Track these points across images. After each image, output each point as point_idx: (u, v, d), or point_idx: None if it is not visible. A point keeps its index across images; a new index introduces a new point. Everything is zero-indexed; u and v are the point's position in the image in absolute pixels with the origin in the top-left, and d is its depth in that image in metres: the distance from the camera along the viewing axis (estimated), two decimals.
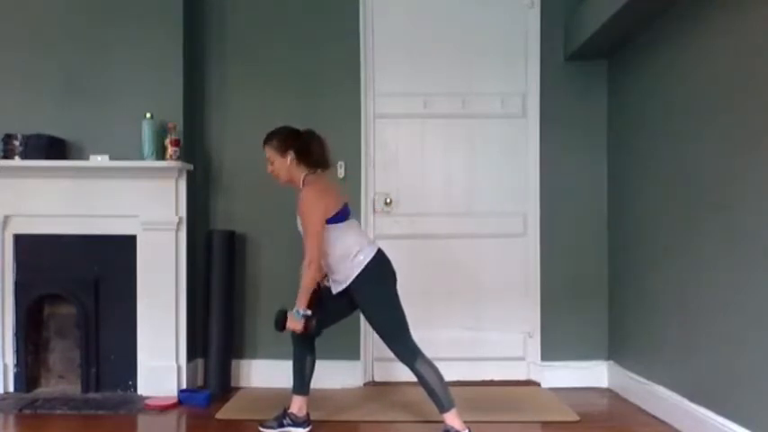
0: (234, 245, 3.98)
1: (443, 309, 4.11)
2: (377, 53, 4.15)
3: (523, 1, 4.15)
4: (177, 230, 3.81)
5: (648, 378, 3.52)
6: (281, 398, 3.30)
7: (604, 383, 4.04)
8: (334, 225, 2.97)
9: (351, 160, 4.07)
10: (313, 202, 2.93)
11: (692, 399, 3.07)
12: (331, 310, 3.09)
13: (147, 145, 3.73)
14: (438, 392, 2.92)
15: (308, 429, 3.17)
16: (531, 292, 4.13)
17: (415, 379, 2.98)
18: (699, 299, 3.04)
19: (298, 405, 3.16)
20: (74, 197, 3.78)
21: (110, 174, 3.77)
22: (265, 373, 3.99)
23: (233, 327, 4.00)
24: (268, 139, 3.10)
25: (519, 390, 3.95)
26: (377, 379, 4.10)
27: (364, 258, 2.96)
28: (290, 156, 3.05)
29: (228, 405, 3.64)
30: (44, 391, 3.87)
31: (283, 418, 3.16)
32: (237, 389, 3.97)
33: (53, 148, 3.76)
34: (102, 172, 3.77)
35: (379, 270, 3.00)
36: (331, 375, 3.78)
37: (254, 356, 4.07)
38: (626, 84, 3.86)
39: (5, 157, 3.74)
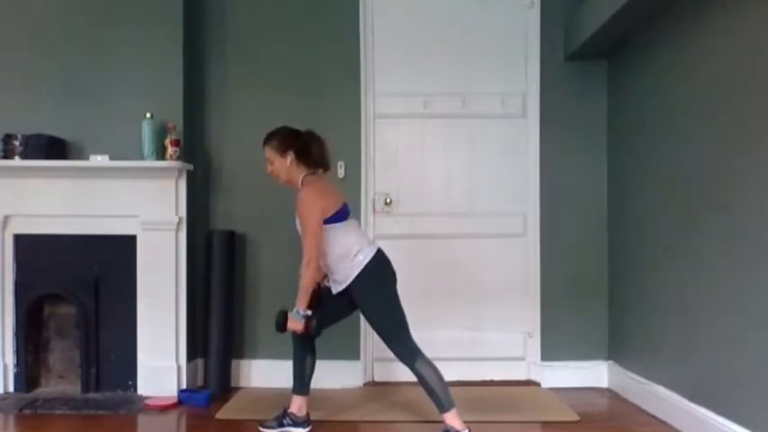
0: (234, 245, 3.98)
1: (443, 309, 4.11)
2: (377, 53, 4.16)
3: (523, 1, 4.15)
4: (177, 230, 3.81)
5: (648, 378, 3.52)
6: (281, 398, 3.30)
7: (604, 383, 4.04)
8: (333, 225, 2.97)
9: (351, 160, 4.07)
10: (311, 203, 2.93)
11: (692, 399, 3.07)
12: (331, 310, 3.09)
13: (147, 145, 3.73)
14: (438, 392, 2.92)
15: (307, 429, 3.17)
16: (531, 292, 4.13)
17: (415, 379, 2.98)
18: (699, 299, 3.04)
19: (298, 405, 3.16)
20: (74, 197, 3.78)
21: (110, 174, 3.77)
22: (265, 373, 3.99)
23: (233, 327, 4.00)
24: (268, 139, 3.10)
25: (519, 390, 3.95)
26: (377, 379, 4.10)
27: (364, 258, 2.96)
28: (290, 156, 3.05)
29: (228, 405, 3.64)
30: (44, 391, 3.87)
31: (283, 417, 3.16)
32: (237, 389, 3.97)
33: (53, 148, 3.76)
34: (102, 172, 3.77)
35: (379, 270, 3.00)
36: (331, 375, 3.78)
37: (254, 356, 4.07)
38: (626, 84, 3.86)
39: (5, 157, 3.74)
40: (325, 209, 2.95)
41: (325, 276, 3.13)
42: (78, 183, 3.78)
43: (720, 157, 2.86)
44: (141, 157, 3.73)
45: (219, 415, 3.46)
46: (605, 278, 4.09)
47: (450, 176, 4.18)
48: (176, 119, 3.81)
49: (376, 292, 2.99)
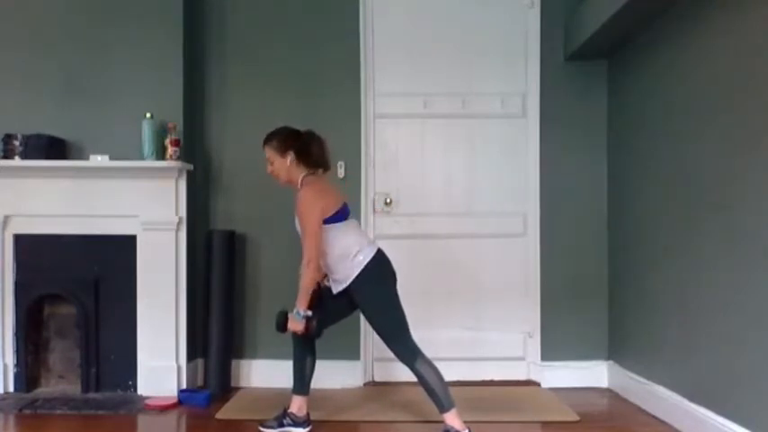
0: (234, 245, 3.98)
1: (443, 309, 4.11)
2: (377, 53, 4.15)
3: (523, 1, 4.15)
4: (177, 230, 3.81)
5: (648, 378, 3.52)
6: (281, 398, 3.30)
7: (604, 383, 4.04)
8: (333, 225, 2.97)
9: (351, 160, 4.07)
10: (311, 203, 2.93)
11: (692, 399, 3.07)
12: (331, 309, 3.09)
13: (147, 145, 3.73)
14: (438, 392, 2.92)
15: (308, 429, 3.17)
16: (531, 292, 4.13)
17: (415, 379, 2.98)
18: (699, 299, 3.03)
19: (298, 405, 3.16)
20: (74, 197, 3.78)
21: (110, 174, 3.77)
22: (265, 373, 3.99)
23: (233, 327, 4.00)
24: (268, 139, 3.10)
25: (519, 390, 3.95)
26: (377, 379, 4.10)
27: (364, 258, 2.96)
28: (290, 156, 3.05)
29: (228, 405, 3.64)
30: (44, 391, 3.87)
31: (283, 417, 3.16)
32: (237, 389, 3.97)
33: (53, 148, 3.76)
34: (102, 172, 3.77)
35: (379, 270, 3.00)
36: (331, 375, 3.78)
37: (254, 356, 4.07)
38: (626, 84, 3.86)
39: (5, 157, 3.74)
40: (325, 209, 2.95)
41: (326, 276, 3.13)
42: (78, 183, 3.78)
43: (720, 157, 2.86)
44: (141, 157, 3.73)
45: (219, 415, 3.46)
46: (605, 278, 4.09)
47: (450, 176, 4.18)
48: (176, 119, 3.81)
49: (376, 292, 2.99)
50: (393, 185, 4.17)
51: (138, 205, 3.78)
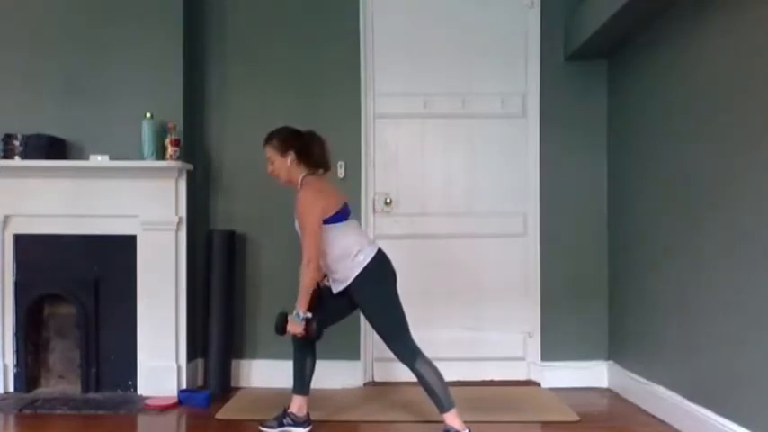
0: (234, 245, 3.98)
1: (443, 309, 4.11)
2: (377, 53, 4.15)
3: (523, 1, 4.15)
4: (177, 230, 3.81)
5: (648, 378, 3.52)
6: (281, 398, 3.30)
7: (604, 383, 4.04)
8: (333, 225, 2.97)
9: (351, 160, 4.07)
10: (311, 202, 2.93)
11: (692, 399, 3.07)
12: (331, 309, 3.09)
13: (147, 145, 3.73)
14: (438, 392, 2.92)
15: (308, 429, 3.17)
16: (531, 292, 4.13)
17: (415, 379, 2.98)
18: (699, 299, 3.04)
19: (298, 405, 3.16)
20: (74, 197, 3.78)
21: (110, 174, 3.77)
22: (265, 373, 3.99)
23: (233, 327, 4.00)
24: (269, 138, 3.10)
25: (519, 390, 3.95)
26: (377, 379, 4.10)
27: (364, 258, 2.96)
28: (291, 156, 3.05)
29: (228, 405, 3.64)
30: (44, 391, 3.87)
31: (283, 417, 3.16)
32: (237, 389, 3.97)
33: (53, 148, 3.76)
34: (102, 172, 3.77)
35: (380, 270, 3.00)
36: (331, 375, 3.78)
37: (254, 356, 4.07)
38: (626, 84, 3.86)
39: (5, 157, 3.74)
40: (325, 209, 2.95)
41: (326, 276, 3.13)
42: (78, 183, 3.78)
43: (720, 157, 2.86)
44: (141, 157, 3.73)
45: (219, 415, 3.46)
46: (605, 278, 4.09)
47: (450, 176, 4.18)
48: (176, 119, 3.81)
49: (376, 292, 2.99)
50: (393, 185, 4.17)
51: (138, 205, 3.78)
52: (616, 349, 3.98)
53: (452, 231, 4.15)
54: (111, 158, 3.74)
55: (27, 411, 3.50)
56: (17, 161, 3.73)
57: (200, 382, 4.01)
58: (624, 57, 3.87)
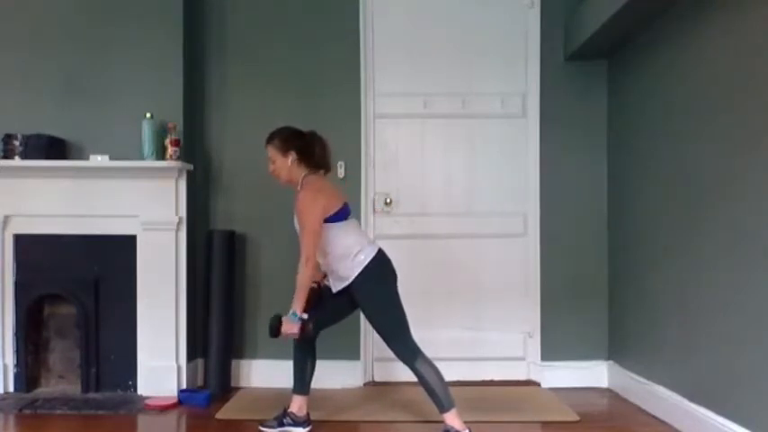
0: (234, 245, 3.98)
1: (443, 309, 4.11)
2: (377, 53, 4.15)
3: (523, 1, 4.15)
4: (177, 230, 3.81)
5: (648, 378, 3.52)
6: (281, 398, 3.30)
7: (604, 383, 4.04)
8: (334, 224, 2.97)
9: (351, 160, 4.07)
10: (311, 201, 2.93)
11: (692, 399, 3.07)
12: (331, 309, 3.09)
13: (147, 145, 3.73)
14: (438, 392, 2.92)
15: (308, 429, 3.17)
16: (531, 292, 4.13)
17: (415, 379, 2.98)
18: (699, 299, 3.04)
19: (298, 405, 3.16)
20: (74, 197, 3.78)
21: (110, 174, 3.77)
22: (265, 373, 3.99)
23: (233, 327, 4.00)
24: (270, 138, 3.10)
25: (519, 390, 3.95)
26: (377, 379, 4.10)
27: (365, 258, 2.96)
28: (292, 156, 3.05)
29: (228, 405, 3.64)
30: (44, 391, 3.87)
31: (283, 417, 3.16)
32: (237, 389, 3.97)
33: (53, 148, 3.76)
34: (102, 172, 3.77)
35: (380, 270, 3.00)
36: (331, 375, 3.78)
37: (254, 356, 4.07)
38: (626, 84, 3.86)
39: (5, 157, 3.74)
40: (326, 207, 2.95)
41: (326, 276, 3.13)
42: (78, 183, 3.78)
43: (720, 157, 2.86)
44: (141, 157, 3.73)
45: (219, 415, 3.46)
46: (605, 278, 4.09)
47: (450, 176, 4.18)
48: (176, 119, 3.81)
49: (377, 292, 2.99)
50: (393, 185, 4.17)
51: (138, 205, 3.78)
52: (616, 349, 3.98)
53: (452, 231, 4.15)
54: (111, 158, 3.74)
55: (27, 411, 3.50)
56: (17, 161, 3.73)
57: (200, 382, 4.01)
58: (624, 57, 3.87)
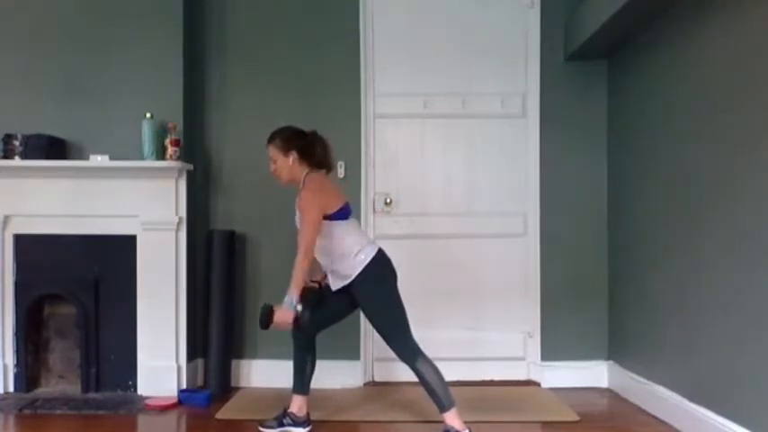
0: (234, 245, 3.98)
1: (443, 309, 4.11)
2: (377, 53, 4.15)
3: (523, 1, 4.15)
4: (177, 230, 3.81)
5: (648, 378, 3.52)
6: (281, 398, 3.30)
7: (604, 383, 4.04)
8: (336, 222, 2.97)
9: (351, 160, 4.07)
10: (312, 196, 2.93)
11: (692, 399, 3.07)
12: (332, 308, 3.09)
13: (147, 145, 3.73)
14: (438, 392, 2.92)
15: (307, 429, 3.17)
16: (531, 292, 4.13)
17: (414, 379, 2.98)
18: (699, 299, 3.04)
19: (298, 405, 3.16)
20: (74, 197, 3.78)
21: (110, 174, 3.77)
22: (265, 373, 3.99)
23: (233, 327, 4.00)
24: (272, 138, 3.10)
25: (519, 390, 3.95)
26: (377, 379, 4.10)
27: (365, 258, 2.96)
28: (293, 156, 3.05)
29: (228, 405, 3.64)
30: (44, 391, 3.87)
31: (283, 417, 3.16)
32: (237, 389, 3.97)
33: (53, 148, 3.76)
34: (102, 172, 3.77)
35: (380, 270, 3.00)
36: (331, 375, 3.78)
37: (254, 356, 4.07)
38: (626, 84, 3.86)
39: (5, 157, 3.74)
40: (328, 204, 2.95)
41: (326, 276, 3.12)
42: (78, 183, 3.78)
43: (720, 157, 2.86)
44: (141, 157, 3.73)
45: (219, 415, 3.46)
46: (605, 278, 4.09)
47: (450, 176, 4.18)
48: (176, 119, 3.81)
49: (377, 292, 2.99)
50: (393, 185, 4.17)
51: (138, 205, 3.78)
52: (616, 349, 3.98)
53: (452, 231, 4.15)
54: (111, 158, 3.74)
55: (27, 411, 3.50)
56: (17, 161, 3.73)
57: (200, 382, 4.01)
58: (624, 57, 3.87)
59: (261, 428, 3.16)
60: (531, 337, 4.13)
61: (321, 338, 3.17)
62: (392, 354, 3.01)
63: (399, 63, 4.16)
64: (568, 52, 4.05)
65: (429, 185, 4.18)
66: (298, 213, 2.99)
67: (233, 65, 4.13)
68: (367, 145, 4.13)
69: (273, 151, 3.08)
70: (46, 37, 3.88)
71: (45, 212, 3.79)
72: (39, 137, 3.73)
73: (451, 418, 2.92)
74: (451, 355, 3.92)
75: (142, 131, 3.73)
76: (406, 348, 2.96)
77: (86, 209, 3.78)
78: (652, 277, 3.50)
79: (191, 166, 3.88)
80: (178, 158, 3.74)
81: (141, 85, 3.84)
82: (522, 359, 4.15)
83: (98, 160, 3.73)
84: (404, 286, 3.07)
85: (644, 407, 3.53)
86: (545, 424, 3.38)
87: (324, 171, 3.13)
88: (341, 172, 4.03)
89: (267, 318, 2.87)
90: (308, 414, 3.19)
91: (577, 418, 3.38)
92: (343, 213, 3.01)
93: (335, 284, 3.03)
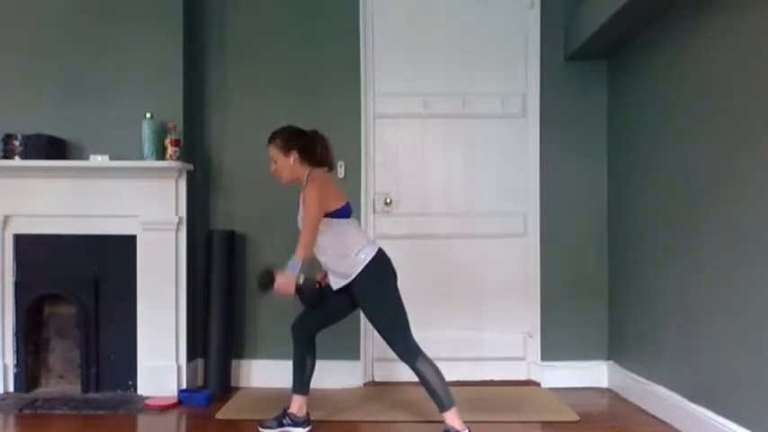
0: (234, 245, 3.98)
1: (443, 309, 4.11)
2: (377, 53, 4.16)
3: (523, 1, 4.15)
4: (177, 230, 3.81)
5: (648, 378, 3.52)
6: (280, 398, 3.30)
7: (604, 383, 4.04)
8: (336, 220, 2.97)
9: (351, 160, 4.07)
10: (318, 189, 2.93)
11: (692, 399, 3.07)
12: (332, 308, 3.09)
13: (147, 145, 3.73)
14: (439, 392, 2.92)
15: (307, 429, 3.17)
16: (531, 292, 4.13)
17: (414, 379, 2.98)
18: (699, 299, 3.04)
19: (297, 405, 3.16)
20: (74, 197, 3.78)
21: (110, 174, 3.77)
22: (265, 373, 3.99)
23: (233, 327, 4.00)
24: (272, 138, 3.10)
25: (519, 390, 3.95)
26: (377, 379, 4.10)
27: (365, 258, 2.96)
28: (294, 155, 3.05)
29: (228, 405, 3.64)
30: (44, 391, 3.87)
31: (283, 417, 3.16)
32: (237, 389, 3.97)
33: (53, 148, 3.76)
34: (102, 172, 3.77)
35: (380, 270, 3.00)
36: (331, 375, 3.78)
37: (254, 356, 4.07)
38: (626, 84, 3.86)
39: (5, 157, 3.74)
40: (330, 200, 2.95)
41: (326, 275, 3.12)
42: (78, 183, 3.78)
43: (720, 157, 2.86)
44: (141, 157, 3.73)
45: (219, 415, 3.46)
46: (605, 278, 4.09)
47: (450, 176, 4.18)
48: (176, 119, 3.81)
49: (377, 292, 2.99)
50: (393, 185, 4.17)
51: (138, 205, 3.78)
52: (616, 349, 3.98)
53: (452, 231, 4.15)
54: (111, 158, 3.74)
55: (27, 411, 3.50)
56: (17, 161, 3.73)
57: (200, 382, 4.01)
58: (624, 57, 3.87)
59: (261, 428, 3.16)
60: (531, 337, 4.13)
61: (321, 338, 3.17)
62: (392, 354, 3.01)
63: (399, 63, 4.16)
64: (568, 52, 4.05)
65: (429, 185, 4.18)
66: (300, 211, 2.99)
67: (233, 65, 4.13)
68: (367, 145, 4.13)
69: (274, 151, 3.08)
70: (46, 37, 3.88)
71: (45, 212, 3.79)
72: (39, 137, 3.73)
73: (452, 417, 2.92)
74: (451, 355, 3.92)
75: (142, 131, 3.73)
76: (407, 348, 2.96)
77: (86, 209, 3.78)
78: (652, 277, 3.50)
79: (191, 166, 3.88)
80: (178, 158, 3.74)
81: (141, 85, 3.84)
82: (522, 359, 4.15)
83: (98, 160, 3.73)
84: (404, 286, 3.06)
85: (644, 407, 3.53)
86: (545, 424, 3.38)
87: (325, 169, 3.13)
88: (341, 172, 4.03)
89: (267, 281, 2.79)
90: (307, 414, 3.19)
91: (577, 418, 3.38)
92: (344, 212, 3.01)
93: (336, 284, 3.03)
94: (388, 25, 4.16)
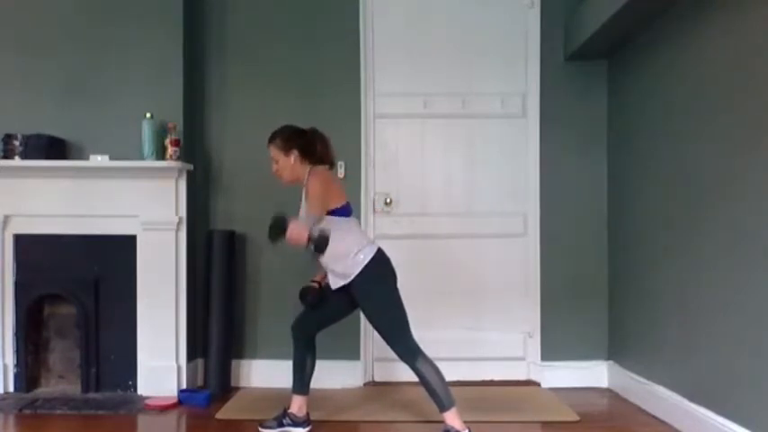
0: (234, 245, 3.98)
1: (443, 309, 4.11)
2: (377, 53, 4.16)
3: (523, 1, 4.15)
4: (177, 230, 3.81)
5: (648, 378, 3.52)
6: (281, 398, 3.30)
7: (604, 383, 4.04)
8: (338, 218, 2.96)
9: (351, 160, 4.07)
10: (322, 183, 2.92)
11: (692, 399, 3.07)
12: (332, 307, 3.10)
13: (147, 145, 3.73)
14: (439, 392, 2.92)
15: (307, 429, 3.17)
16: (531, 292, 4.13)
17: (414, 379, 2.98)
18: (699, 299, 3.04)
19: (297, 405, 3.16)
20: (74, 197, 3.78)
21: (110, 174, 3.77)
22: (265, 373, 3.99)
23: (233, 327, 3.99)
24: (272, 138, 3.10)
25: (519, 390, 3.95)
26: (377, 379, 4.10)
27: (365, 257, 2.96)
28: (294, 154, 3.05)
29: (228, 405, 3.64)
30: (44, 391, 3.87)
31: (283, 417, 3.16)
32: (237, 389, 3.97)
33: (53, 148, 3.76)
34: (102, 172, 3.77)
35: (380, 270, 2.99)
36: (331, 375, 3.78)
37: (254, 356, 4.07)
38: (626, 84, 3.86)
39: (5, 157, 3.74)
40: (331, 198, 2.94)
41: (326, 275, 3.12)
42: (78, 183, 3.78)
43: (720, 157, 2.86)
44: (141, 157, 3.73)
45: (219, 415, 3.46)
46: (605, 278, 4.09)
47: (450, 176, 4.18)
48: (176, 119, 3.81)
49: (377, 292, 2.99)
50: (393, 185, 4.17)
51: (138, 205, 3.78)
52: (616, 349, 3.98)
53: (452, 231, 4.15)
54: (111, 158, 3.74)
55: (27, 411, 3.50)
56: (17, 161, 3.73)
57: (200, 382, 4.01)
58: (624, 57, 3.87)
59: (261, 429, 3.16)
60: (531, 337, 4.13)
61: (321, 338, 3.17)
62: (392, 354, 3.01)
63: (399, 63, 4.16)
64: (568, 52, 4.05)
65: (429, 185, 4.18)
66: (302, 208, 2.99)
67: (233, 65, 4.13)
68: (367, 145, 4.13)
69: (275, 151, 3.08)
70: (46, 37, 3.87)
71: (45, 212, 3.79)
72: (39, 137, 3.73)
73: (452, 417, 2.91)
74: (451, 355, 3.92)
75: (142, 131, 3.73)
76: (407, 348, 2.96)
77: (86, 209, 3.78)
78: (652, 277, 3.50)
79: (191, 166, 3.88)
80: (178, 158, 3.74)
81: (141, 85, 3.84)
82: (522, 359, 4.15)
83: (98, 160, 3.73)
84: (404, 286, 3.06)
85: (644, 407, 3.53)
86: (545, 424, 3.38)
87: (326, 167, 3.12)
88: (341, 172, 4.03)
89: (280, 229, 2.65)
90: (307, 414, 3.19)
91: (577, 418, 3.38)
92: (345, 211, 3.01)
93: (335, 283, 3.03)
94: (388, 25, 4.16)
